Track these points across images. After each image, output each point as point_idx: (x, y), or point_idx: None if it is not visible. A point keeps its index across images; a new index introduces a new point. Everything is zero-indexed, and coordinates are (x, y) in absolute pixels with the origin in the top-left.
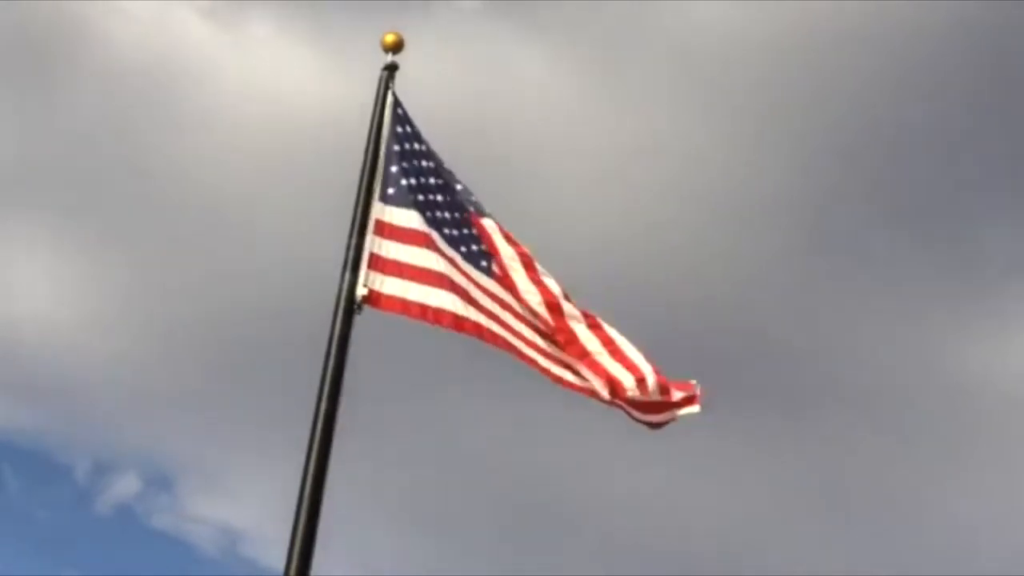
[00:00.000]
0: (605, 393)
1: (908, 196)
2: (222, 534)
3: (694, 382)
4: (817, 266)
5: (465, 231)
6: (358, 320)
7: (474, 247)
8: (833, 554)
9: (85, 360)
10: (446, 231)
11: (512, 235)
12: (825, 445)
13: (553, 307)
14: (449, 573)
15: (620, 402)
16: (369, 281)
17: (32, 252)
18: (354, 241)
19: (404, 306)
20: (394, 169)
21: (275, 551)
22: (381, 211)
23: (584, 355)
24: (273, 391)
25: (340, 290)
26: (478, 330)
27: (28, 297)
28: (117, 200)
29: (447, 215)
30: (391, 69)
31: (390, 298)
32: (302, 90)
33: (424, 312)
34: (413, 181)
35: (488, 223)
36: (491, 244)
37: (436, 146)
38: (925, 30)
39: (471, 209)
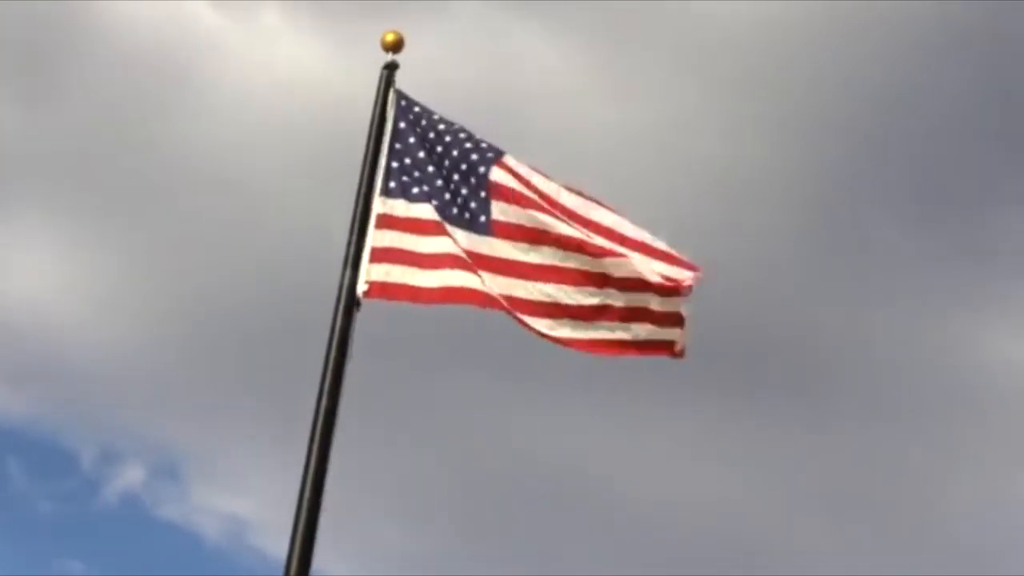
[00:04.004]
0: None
1: (918, 184)
2: (229, 524)
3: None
4: (826, 256)
5: (465, 190)
6: (364, 312)
7: (472, 204)
8: (843, 552)
9: (91, 348)
10: (454, 212)
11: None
12: (833, 438)
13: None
14: (452, 572)
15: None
16: (371, 275)
17: (35, 239)
18: (354, 238)
19: (411, 292)
20: (395, 164)
21: (283, 541)
22: (382, 205)
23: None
24: (281, 380)
25: (341, 286)
26: (486, 300)
27: (32, 285)
28: (122, 187)
29: (461, 195)
30: (391, 68)
31: (395, 286)
32: (310, 79)
33: (431, 295)
34: (417, 173)
35: (506, 178)
36: (514, 198)
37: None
38: (935, 15)
39: (489, 173)
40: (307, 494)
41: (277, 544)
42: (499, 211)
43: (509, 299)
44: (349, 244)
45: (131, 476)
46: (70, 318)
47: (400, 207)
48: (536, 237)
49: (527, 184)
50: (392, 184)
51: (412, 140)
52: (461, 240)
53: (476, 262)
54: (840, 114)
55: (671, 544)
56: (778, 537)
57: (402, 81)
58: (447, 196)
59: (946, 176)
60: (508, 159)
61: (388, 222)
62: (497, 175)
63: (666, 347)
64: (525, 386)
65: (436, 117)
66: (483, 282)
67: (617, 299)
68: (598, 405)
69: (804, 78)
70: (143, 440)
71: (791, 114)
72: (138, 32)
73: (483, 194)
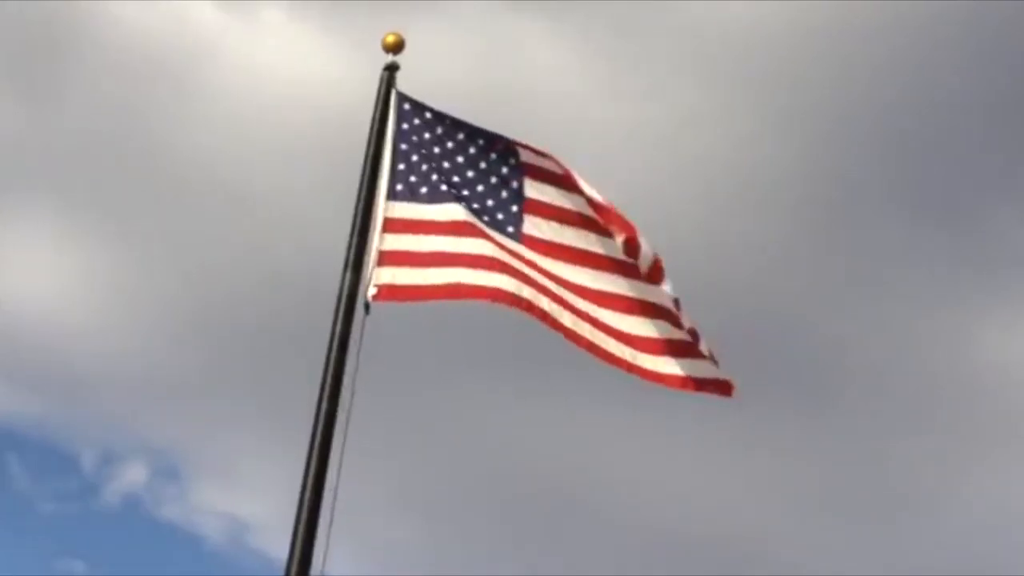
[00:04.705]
0: (631, 357)
1: (927, 185)
2: (231, 525)
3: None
4: (834, 256)
5: (491, 202)
6: (369, 314)
7: (499, 215)
8: (843, 552)
9: (92, 349)
10: (475, 205)
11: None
12: (839, 437)
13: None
14: (454, 571)
15: (644, 365)
16: (379, 278)
17: (38, 239)
18: (355, 241)
19: (419, 291)
20: (402, 166)
21: (285, 543)
22: (390, 209)
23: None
24: (283, 382)
25: (341, 290)
26: (497, 295)
27: (35, 286)
28: (125, 188)
29: (468, 192)
30: (392, 69)
31: (404, 287)
32: (314, 78)
33: (439, 291)
34: (427, 171)
35: (539, 190)
36: (531, 206)
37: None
38: (947, 19)
39: (524, 188)
40: (307, 495)
41: (278, 545)
42: (532, 226)
43: (555, 298)
44: (349, 247)
45: (132, 476)
46: (73, 319)
47: (408, 210)
48: (570, 257)
49: (557, 187)
50: (399, 187)
51: (416, 140)
52: (497, 239)
53: (518, 260)
54: (842, 115)
55: (671, 543)
56: (777, 536)
57: (403, 81)
58: (471, 199)
59: (960, 181)
60: (525, 155)
61: (395, 226)
62: (531, 190)
63: (723, 386)
64: (529, 385)
65: (459, 121)
66: (506, 281)
67: (671, 332)
68: (602, 404)
69: (823, 85)
70: (145, 441)
71: (807, 121)
72: (140, 30)
73: (515, 208)
